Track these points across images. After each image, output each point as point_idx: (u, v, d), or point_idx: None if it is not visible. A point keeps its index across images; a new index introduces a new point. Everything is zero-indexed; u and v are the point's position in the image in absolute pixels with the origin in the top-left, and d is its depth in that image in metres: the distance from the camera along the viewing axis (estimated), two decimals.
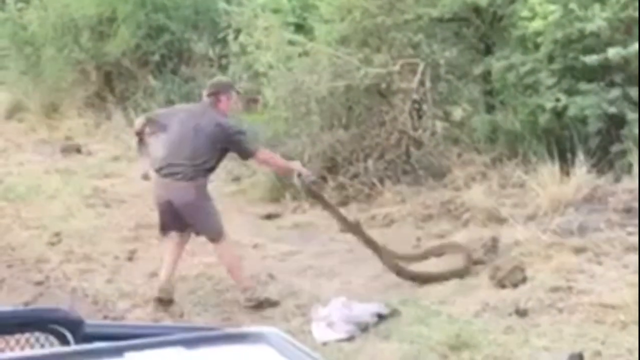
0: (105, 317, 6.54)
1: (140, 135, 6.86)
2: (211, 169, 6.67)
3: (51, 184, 10.45)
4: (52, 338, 2.01)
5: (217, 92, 6.71)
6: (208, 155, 6.54)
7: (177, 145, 6.55)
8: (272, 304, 6.64)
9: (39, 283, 7.47)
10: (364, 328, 6.10)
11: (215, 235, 6.67)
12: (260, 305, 6.59)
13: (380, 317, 6.20)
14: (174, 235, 6.74)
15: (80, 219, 9.08)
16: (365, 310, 6.22)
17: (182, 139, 6.55)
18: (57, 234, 8.60)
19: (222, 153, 6.68)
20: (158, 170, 6.61)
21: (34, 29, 14.36)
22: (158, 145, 6.80)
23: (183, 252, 6.89)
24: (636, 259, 6.68)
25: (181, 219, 6.59)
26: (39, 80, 14.54)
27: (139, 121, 7.05)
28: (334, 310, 6.19)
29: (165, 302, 6.63)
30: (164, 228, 6.77)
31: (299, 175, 6.82)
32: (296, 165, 7.01)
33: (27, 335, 2.03)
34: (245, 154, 6.78)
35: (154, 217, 8.97)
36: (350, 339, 6.02)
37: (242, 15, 10.31)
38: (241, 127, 6.76)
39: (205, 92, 6.82)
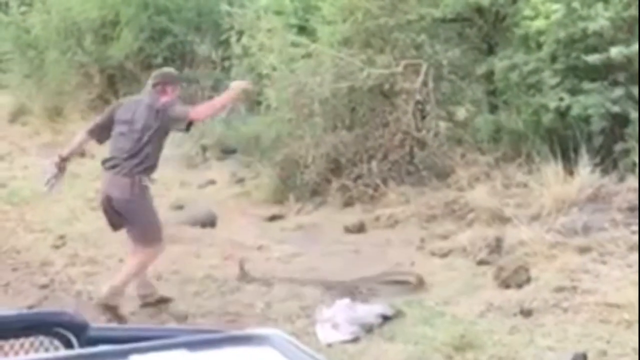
0: (110, 320, 6.54)
1: (64, 160, 6.60)
2: (151, 166, 6.41)
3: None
4: (56, 342, 2.01)
5: (163, 83, 6.49)
6: (146, 150, 6.30)
7: (116, 138, 6.40)
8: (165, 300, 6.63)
9: (44, 286, 7.47)
10: (368, 329, 6.10)
11: (143, 240, 6.45)
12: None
13: (385, 318, 6.20)
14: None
15: (85, 222, 9.08)
16: (370, 312, 6.22)
17: (120, 131, 6.39)
18: (61, 237, 8.61)
19: (160, 142, 6.44)
20: (102, 163, 6.50)
21: (37, 33, 14.40)
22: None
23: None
24: None
25: (122, 216, 6.44)
26: (43, 83, 14.56)
27: (77, 140, 6.79)
28: (338, 312, 6.19)
29: (109, 307, 6.41)
30: (112, 225, 6.61)
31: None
32: (234, 88, 6.73)
33: (31, 338, 2.03)
34: (183, 120, 6.35)
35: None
36: (354, 340, 6.02)
37: (245, 17, 10.32)
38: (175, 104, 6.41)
39: (150, 82, 6.56)
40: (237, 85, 6.81)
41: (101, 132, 6.57)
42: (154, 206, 6.55)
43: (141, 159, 6.31)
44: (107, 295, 6.39)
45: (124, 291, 6.54)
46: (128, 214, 6.41)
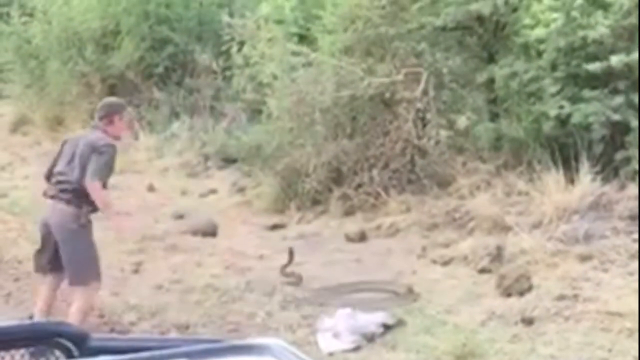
0: (111, 330, 6.54)
1: None
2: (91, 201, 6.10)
3: None
4: (57, 352, 2.01)
5: (108, 114, 6.29)
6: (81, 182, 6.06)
7: (60, 167, 6.20)
8: None
9: None
10: (370, 338, 6.09)
11: (79, 278, 6.15)
12: None
13: (387, 327, 6.20)
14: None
15: None
16: (371, 320, 6.21)
17: (62, 162, 6.20)
18: None
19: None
20: (44, 193, 6.30)
21: (38, 42, 14.40)
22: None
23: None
24: None
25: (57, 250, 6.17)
26: (44, 93, 14.57)
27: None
28: (339, 321, 6.18)
29: None
30: (40, 263, 6.35)
31: None
32: (115, 217, 6.49)
33: (32, 349, 2.03)
34: (87, 173, 6.05)
35: (160, 229, 9.03)
36: (356, 349, 6.02)
37: (245, 27, 10.33)
38: (110, 154, 6.13)
39: (96, 115, 6.37)
40: (117, 222, 6.54)
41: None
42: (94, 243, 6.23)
43: (77, 189, 6.07)
44: None
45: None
46: (67, 246, 6.11)
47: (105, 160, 6.09)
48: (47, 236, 6.22)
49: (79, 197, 6.05)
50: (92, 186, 6.02)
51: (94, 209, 6.13)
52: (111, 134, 6.27)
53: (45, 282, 6.37)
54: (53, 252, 6.19)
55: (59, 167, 6.22)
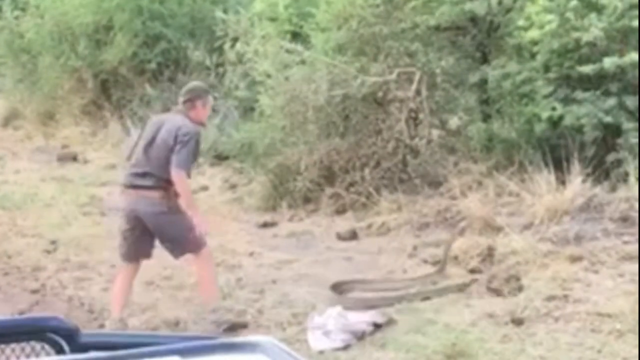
0: (102, 326, 6.53)
1: None
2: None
3: (47, 192, 10.45)
4: (47, 347, 2.01)
5: (191, 98, 6.37)
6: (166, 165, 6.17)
7: (141, 153, 6.31)
8: (243, 325, 6.43)
9: (35, 291, 7.46)
10: (360, 337, 6.09)
11: (187, 250, 6.37)
12: (232, 328, 6.37)
13: (377, 326, 6.20)
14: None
15: (77, 227, 9.07)
16: (361, 319, 6.21)
17: (145, 147, 6.29)
18: (53, 242, 8.59)
19: None
20: (125, 185, 6.39)
21: (30, 37, 14.37)
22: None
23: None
24: (632, 268, 6.69)
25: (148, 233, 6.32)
26: (36, 88, 14.54)
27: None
28: (329, 319, 6.18)
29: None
30: (129, 252, 6.46)
31: None
32: (196, 215, 6.38)
33: (22, 344, 2.03)
34: (172, 163, 6.16)
35: None
36: (346, 347, 6.01)
37: (239, 24, 10.32)
38: (194, 142, 6.22)
39: (180, 99, 6.47)
40: (197, 218, 6.39)
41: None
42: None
43: (168, 178, 6.16)
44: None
45: (218, 297, 6.49)
46: (165, 229, 6.27)
47: (190, 149, 6.18)
48: (134, 225, 6.30)
49: (162, 181, 6.16)
50: (178, 177, 6.13)
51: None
52: (194, 119, 6.33)
53: (127, 269, 6.50)
54: (139, 239, 6.31)
55: (138, 152, 6.32)
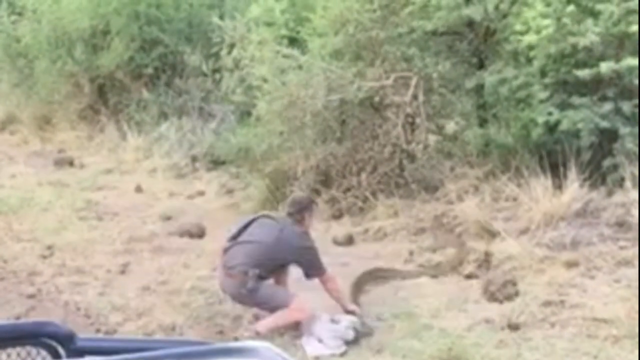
0: (98, 331, 6.52)
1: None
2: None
3: (44, 197, 10.43)
4: (43, 352, 2.00)
5: (299, 210, 6.61)
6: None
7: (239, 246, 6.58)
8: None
9: (31, 296, 7.44)
10: (352, 342, 6.09)
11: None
12: None
13: (356, 331, 6.19)
14: None
15: (73, 232, 9.06)
16: (345, 324, 6.21)
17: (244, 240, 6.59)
18: (49, 247, 8.58)
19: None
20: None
21: (27, 41, 14.36)
22: None
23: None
24: (629, 273, 6.70)
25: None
26: (32, 92, 14.54)
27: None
28: (322, 325, 6.17)
29: None
30: None
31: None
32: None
33: (18, 349, 2.02)
34: (317, 269, 6.60)
35: (146, 230, 9.01)
36: (342, 353, 6.01)
37: (235, 29, 10.32)
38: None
39: (287, 210, 6.76)
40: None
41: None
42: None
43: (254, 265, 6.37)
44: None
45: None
46: (247, 305, 6.57)
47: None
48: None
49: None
50: (328, 278, 6.59)
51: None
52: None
53: None
54: None
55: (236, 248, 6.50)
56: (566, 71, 8.25)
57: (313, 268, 6.53)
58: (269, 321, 6.38)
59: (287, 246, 6.44)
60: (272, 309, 6.41)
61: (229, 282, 6.46)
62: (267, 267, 6.42)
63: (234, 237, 6.54)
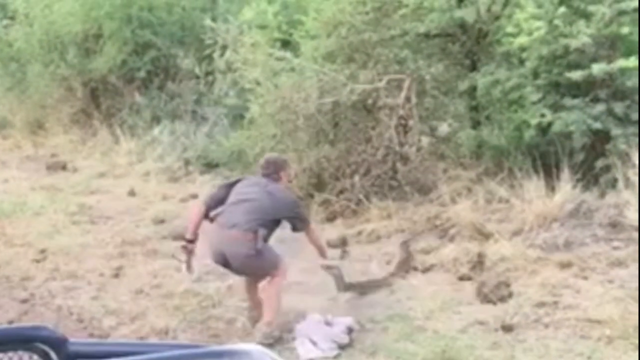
0: (91, 335, 6.51)
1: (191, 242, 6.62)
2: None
3: (36, 201, 10.42)
4: (35, 357, 2.00)
5: (275, 170, 6.63)
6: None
7: (232, 206, 6.54)
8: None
9: (24, 301, 7.43)
10: (343, 345, 6.09)
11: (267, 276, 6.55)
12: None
13: (351, 332, 6.19)
14: None
15: (66, 236, 9.05)
16: (338, 326, 6.21)
17: (237, 200, 6.56)
18: (42, 251, 8.56)
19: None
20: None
21: (19, 46, 14.36)
22: None
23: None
24: (622, 274, 6.70)
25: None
26: (25, 96, 14.53)
27: (194, 216, 6.75)
28: (316, 327, 6.17)
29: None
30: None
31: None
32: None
33: (10, 353, 2.02)
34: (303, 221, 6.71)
35: (140, 234, 9.00)
36: (336, 356, 6.01)
37: (228, 32, 10.32)
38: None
39: (260, 171, 6.70)
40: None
41: (216, 205, 6.56)
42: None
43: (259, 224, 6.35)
44: (264, 336, 6.23)
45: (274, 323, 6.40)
46: (248, 269, 6.46)
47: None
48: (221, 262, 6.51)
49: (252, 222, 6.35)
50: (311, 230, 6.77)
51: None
52: None
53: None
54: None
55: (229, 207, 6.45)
56: (558, 73, 8.26)
57: (303, 221, 6.64)
58: (267, 312, 6.34)
59: (279, 202, 6.46)
60: (265, 274, 6.40)
61: (234, 243, 6.29)
62: (268, 226, 6.41)
63: (221, 201, 6.50)
